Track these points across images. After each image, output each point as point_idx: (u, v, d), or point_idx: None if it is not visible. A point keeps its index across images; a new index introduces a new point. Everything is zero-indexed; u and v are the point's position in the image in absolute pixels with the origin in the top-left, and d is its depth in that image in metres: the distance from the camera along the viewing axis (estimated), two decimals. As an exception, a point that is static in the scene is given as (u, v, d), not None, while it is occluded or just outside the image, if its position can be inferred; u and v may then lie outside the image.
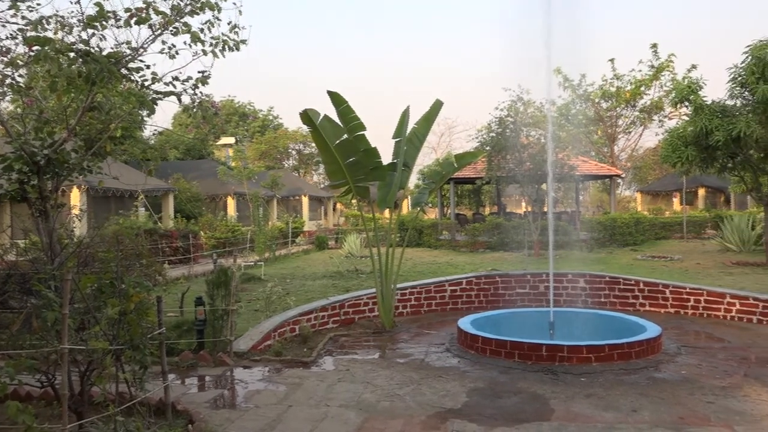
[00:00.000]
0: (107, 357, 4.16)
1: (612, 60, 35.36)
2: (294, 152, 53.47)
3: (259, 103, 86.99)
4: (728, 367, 6.91)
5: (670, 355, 7.43)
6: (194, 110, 6.53)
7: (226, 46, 6.43)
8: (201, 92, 6.45)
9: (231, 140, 39.84)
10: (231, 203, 29.35)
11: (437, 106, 10.09)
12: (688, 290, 10.43)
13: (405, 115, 9.75)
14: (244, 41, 6.70)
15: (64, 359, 3.83)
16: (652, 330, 7.73)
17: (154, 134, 35.84)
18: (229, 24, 6.43)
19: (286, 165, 52.26)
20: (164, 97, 6.29)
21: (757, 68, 14.35)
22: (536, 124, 21.50)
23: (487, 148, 20.96)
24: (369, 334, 9.18)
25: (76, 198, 18.33)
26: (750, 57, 14.57)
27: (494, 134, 20.97)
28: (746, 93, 15.14)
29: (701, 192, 37.29)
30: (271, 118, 56.98)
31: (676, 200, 37.55)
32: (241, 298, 10.67)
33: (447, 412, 5.44)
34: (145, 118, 7.45)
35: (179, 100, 6.36)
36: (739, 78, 15.03)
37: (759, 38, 14.52)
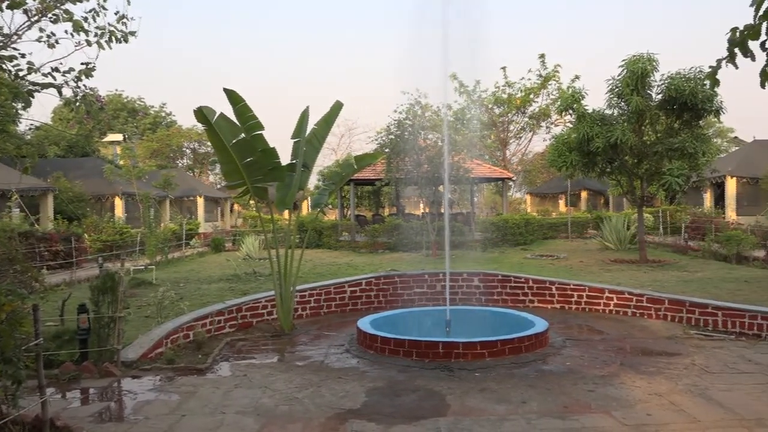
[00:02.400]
0: (-27, 373, 3.78)
1: (504, 68, 37.11)
2: (188, 151, 51.42)
3: (151, 98, 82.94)
4: (607, 358, 7.44)
5: (556, 348, 7.88)
6: (77, 104, 6.09)
7: (113, 38, 6.05)
8: (85, 85, 6.03)
9: (119, 137, 37.62)
10: (119, 204, 27.73)
11: (337, 107, 10.08)
12: (572, 287, 11.13)
13: (304, 116, 9.66)
14: (133, 33, 6.34)
15: None
16: (540, 325, 8.16)
17: (30, 129, 33.16)
18: (116, 14, 6.06)
19: (179, 164, 50.15)
20: (42, 89, 5.81)
21: (631, 81, 15.61)
22: (433, 127, 22.11)
23: (387, 150, 21.27)
24: (267, 338, 9.00)
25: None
26: (625, 70, 15.82)
27: (393, 136, 21.31)
28: (622, 103, 16.43)
29: (584, 194, 39.96)
30: (163, 114, 54.50)
31: (561, 202, 40.02)
32: (129, 304, 10.08)
33: (346, 412, 5.44)
34: (20, 112, 6.85)
35: (60, 93, 5.90)
36: (616, 89, 16.28)
37: (633, 53, 15.80)
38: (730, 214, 26.05)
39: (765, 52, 3.71)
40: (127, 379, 6.52)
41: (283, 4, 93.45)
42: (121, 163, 28.14)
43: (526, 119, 38.68)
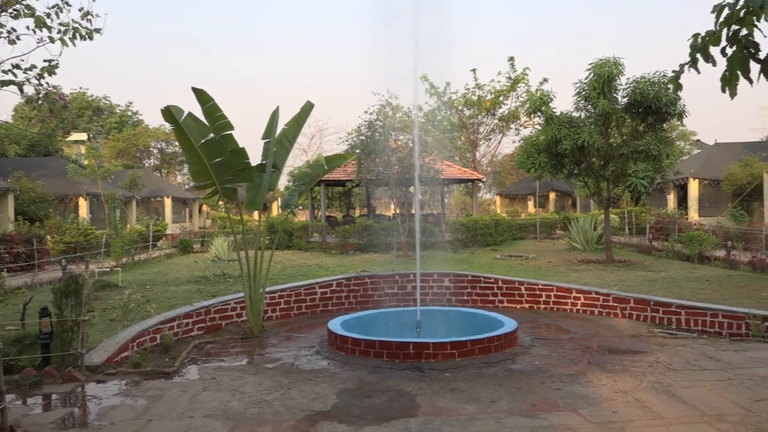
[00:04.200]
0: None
1: (474, 70, 37.42)
2: (156, 151, 50.59)
3: (117, 97, 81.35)
4: (574, 356, 7.56)
5: (525, 348, 7.97)
6: (39, 102, 5.95)
7: (78, 34, 5.93)
8: (47, 83, 5.90)
9: (83, 136, 36.87)
10: (83, 205, 27.13)
11: (308, 107, 10.03)
12: (540, 287, 11.28)
13: (274, 116, 9.59)
14: (98, 30, 6.23)
15: None
16: (509, 325, 8.25)
17: (-10, 127, 32.20)
18: (80, 10, 5.94)
19: (147, 164, 49.31)
20: (2, 86, 5.66)
21: (598, 84, 15.91)
22: (404, 128, 22.17)
23: (357, 150, 21.24)
24: (237, 340, 8.91)
25: None
26: (592, 74, 16.11)
27: (364, 137, 21.29)
28: (589, 106, 16.72)
29: (552, 196, 40.57)
30: (130, 113, 53.49)
31: (530, 203, 40.55)
32: (94, 307, 9.90)
33: (317, 414, 5.41)
34: (-21, 109, 6.66)
35: (21, 90, 5.76)
36: (583, 93, 16.56)
37: (599, 57, 16.09)
38: (693, 215, 26.76)
39: (725, 58, 3.82)
40: (91, 383, 6.37)
41: (256, 4, 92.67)
42: (86, 162, 27.55)
43: (496, 121, 39.06)
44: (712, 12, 3.79)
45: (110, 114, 51.66)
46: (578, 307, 10.66)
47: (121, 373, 6.72)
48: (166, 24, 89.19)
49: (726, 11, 3.73)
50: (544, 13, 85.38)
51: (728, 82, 3.77)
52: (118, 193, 24.20)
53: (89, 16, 6.06)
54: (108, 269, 16.00)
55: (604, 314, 10.26)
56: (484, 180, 38.64)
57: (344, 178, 24.53)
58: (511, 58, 36.80)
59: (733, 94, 3.77)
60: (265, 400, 5.80)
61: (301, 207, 37.78)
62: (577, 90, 16.74)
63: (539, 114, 17.29)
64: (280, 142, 9.73)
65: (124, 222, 21.12)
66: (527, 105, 18.56)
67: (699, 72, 3.98)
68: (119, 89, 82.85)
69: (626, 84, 16.11)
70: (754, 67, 3.70)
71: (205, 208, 43.36)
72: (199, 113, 8.51)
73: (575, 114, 17.11)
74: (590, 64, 16.13)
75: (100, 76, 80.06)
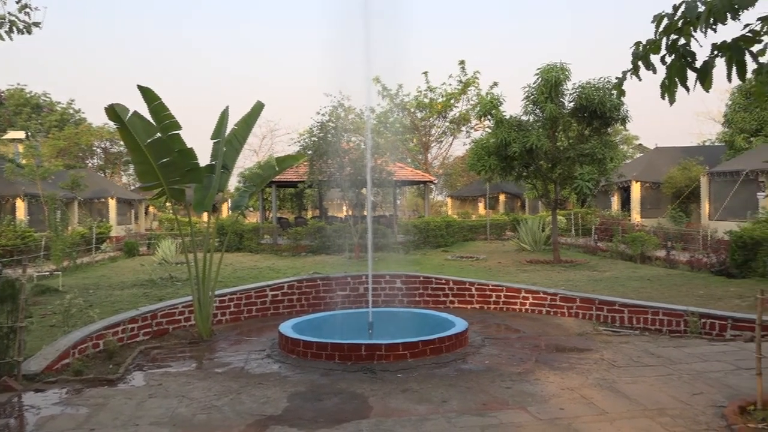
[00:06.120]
0: None
1: (426, 73, 37.76)
2: (99, 150, 48.92)
3: (58, 94, 78.32)
4: (523, 355, 7.71)
5: (476, 347, 8.08)
6: (-29, 98, 5.64)
7: (15, 28, 5.67)
8: (-20, 78, 5.60)
9: (21, 134, 35.27)
10: (21, 206, 25.94)
11: (258, 107, 9.89)
12: (490, 287, 11.45)
13: (224, 116, 9.41)
14: (37, 24, 5.97)
15: None
16: (460, 325, 8.34)
17: None
18: (18, 2, 5.68)
19: (89, 164, 47.61)
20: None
21: (545, 89, 16.32)
22: (356, 129, 22.19)
23: (309, 151, 21.12)
24: (185, 345, 8.69)
25: None
26: (540, 79, 16.51)
27: (316, 138, 21.19)
28: (537, 110, 17.13)
29: (502, 197, 41.33)
30: (71, 111, 51.52)
31: (481, 205, 41.19)
32: (32, 312, 9.49)
33: (267, 419, 5.33)
34: None
35: (-49, 85, 5.45)
36: (532, 97, 16.96)
37: (547, 62, 16.51)
38: (635, 216, 27.76)
39: (665, 66, 3.97)
40: (29, 393, 6.09)
41: (206, 2, 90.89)
42: (24, 162, 26.39)
43: (447, 124, 39.53)
44: (653, 21, 3.94)
45: (50, 111, 49.66)
46: (527, 306, 10.88)
47: (61, 381, 6.45)
48: (110, 19, 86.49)
49: (665, 21, 3.88)
50: (495, 17, 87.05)
51: (667, 89, 3.92)
52: (58, 194, 23.25)
53: (27, 9, 5.81)
54: (48, 273, 15.37)
55: (551, 313, 10.50)
56: (435, 182, 39.01)
57: (296, 180, 24.34)
58: (462, 62, 37.32)
59: (672, 101, 3.93)
60: (214, 406, 5.68)
61: (251, 208, 37.25)
62: (526, 94, 17.12)
63: (489, 117, 17.61)
64: (229, 142, 9.56)
65: (66, 224, 20.30)
66: (477, 108, 18.88)
67: (640, 79, 4.13)
68: (62, 86, 79.81)
69: (572, 89, 16.59)
70: (692, 75, 3.86)
71: (151, 209, 42.19)
72: (145, 112, 8.29)
73: (524, 118, 17.50)
74: (538, 69, 16.52)
75: (42, 72, 76.90)
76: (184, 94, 77.73)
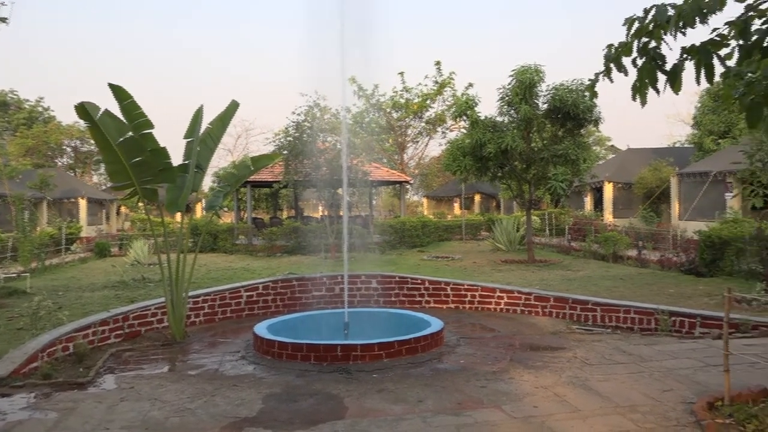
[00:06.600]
0: None
1: (402, 73, 37.86)
2: (69, 149, 47.97)
3: (26, 92, 76.64)
4: (498, 354, 7.76)
5: (451, 347, 8.12)
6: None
7: (-21, 23, 5.51)
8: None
9: (-12, 133, 34.42)
10: (-12, 206, 25.31)
11: (233, 106, 9.80)
12: (465, 287, 11.52)
13: (198, 115, 9.30)
14: (4, 19, 5.82)
15: None
16: (435, 325, 8.37)
17: None
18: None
19: (59, 163, 46.67)
20: None
21: (520, 90, 16.47)
22: (332, 130, 22.12)
23: (285, 151, 21.01)
24: (157, 347, 8.56)
25: None
26: (515, 80, 16.66)
27: (291, 138, 21.08)
28: (512, 111, 17.28)
29: (477, 198, 41.62)
30: (40, 109, 50.38)
31: (456, 205, 41.42)
32: (-1, 315, 9.26)
33: (242, 421, 5.28)
34: None
35: None
36: (507, 98, 17.11)
37: (522, 64, 16.67)
38: (608, 216, 28.20)
39: (636, 68, 4.04)
40: (-5, 397, 5.94)
41: (193, 4, 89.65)
42: (-10, 161, 25.76)
43: (423, 124, 39.67)
44: (624, 24, 4.00)
45: (18, 109, 48.52)
46: (502, 306, 10.96)
47: (29, 385, 6.30)
48: (82, 16, 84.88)
49: (636, 24, 3.94)
50: (472, 18, 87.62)
51: (639, 91, 3.99)
52: (26, 194, 22.77)
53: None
54: (15, 275, 15.01)
55: (526, 313, 10.60)
56: (411, 182, 39.14)
57: (271, 180, 24.19)
58: (438, 63, 37.52)
59: (643, 103, 3.99)
60: (188, 408, 5.61)
61: (226, 209, 36.86)
62: (501, 95, 17.27)
63: (465, 118, 17.70)
64: (203, 141, 9.45)
65: (34, 224, 19.87)
66: (453, 109, 18.98)
67: (612, 81, 4.19)
68: (29, 83, 78.05)
69: (546, 91, 16.77)
70: (662, 78, 3.93)
71: (123, 209, 41.50)
72: (116, 111, 8.14)
73: (499, 119, 17.64)
74: (513, 70, 16.67)
75: (7, 68, 75.07)
76: (158, 94, 76.67)
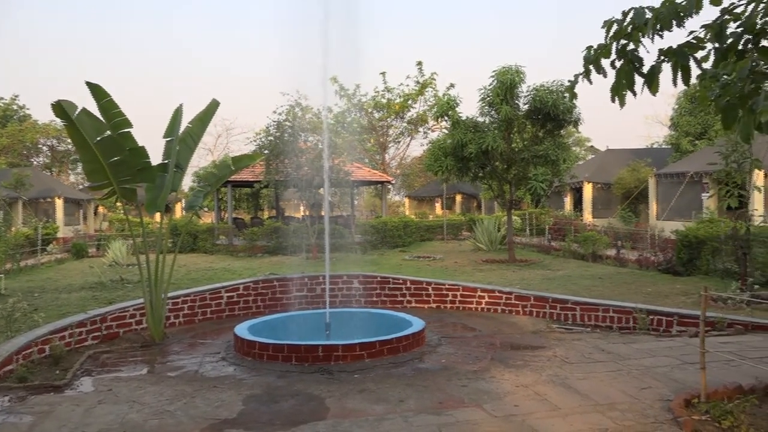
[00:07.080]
0: None
1: (383, 73, 37.85)
2: (45, 148, 47.19)
3: (0, 90, 75.19)
4: (479, 353, 7.80)
5: (432, 347, 8.14)
6: None
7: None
8: None
9: (-39, 131, 33.73)
10: (-39, 206, 24.80)
11: (213, 106, 9.72)
12: (447, 286, 11.56)
13: (178, 114, 9.21)
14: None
15: None
16: (417, 325, 8.38)
17: None
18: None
19: (35, 162, 45.88)
20: None
21: (501, 91, 16.57)
22: (314, 129, 22.04)
23: (266, 151, 20.88)
24: (136, 349, 8.46)
25: None
26: (496, 81, 16.75)
27: (273, 138, 20.96)
28: (493, 112, 17.37)
29: (458, 198, 41.76)
30: (15, 108, 49.46)
31: (438, 205, 41.52)
32: (-27, 317, 9.06)
33: (222, 422, 5.24)
34: None
35: None
36: (488, 99, 17.19)
37: (503, 65, 16.76)
38: (587, 216, 28.49)
39: (614, 70, 4.08)
40: (-32, 401, 5.82)
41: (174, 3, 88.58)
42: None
43: (405, 124, 39.72)
44: (603, 27, 4.04)
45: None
46: (483, 305, 11.02)
47: (4, 388, 6.19)
48: (60, 13, 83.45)
49: (615, 27, 3.99)
50: (452, 19, 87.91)
51: (617, 93, 4.03)
52: (1, 194, 22.34)
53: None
54: (-10, 276, 14.70)
55: (506, 312, 10.67)
56: (393, 182, 39.17)
57: (252, 179, 24.03)
58: (419, 63, 37.59)
59: (622, 104, 4.04)
60: (167, 411, 5.55)
61: (206, 209, 36.57)
62: (482, 96, 17.34)
63: (446, 118, 17.76)
64: (183, 140, 9.36)
65: (9, 225, 19.52)
66: (435, 109, 19.00)
67: (591, 83, 4.24)
68: (3, 81, 76.58)
69: (527, 91, 16.88)
70: (640, 80, 3.98)
71: (101, 209, 40.93)
72: (94, 109, 8.04)
73: (480, 119, 17.72)
74: (494, 71, 16.76)
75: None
76: (136, 93, 75.75)
